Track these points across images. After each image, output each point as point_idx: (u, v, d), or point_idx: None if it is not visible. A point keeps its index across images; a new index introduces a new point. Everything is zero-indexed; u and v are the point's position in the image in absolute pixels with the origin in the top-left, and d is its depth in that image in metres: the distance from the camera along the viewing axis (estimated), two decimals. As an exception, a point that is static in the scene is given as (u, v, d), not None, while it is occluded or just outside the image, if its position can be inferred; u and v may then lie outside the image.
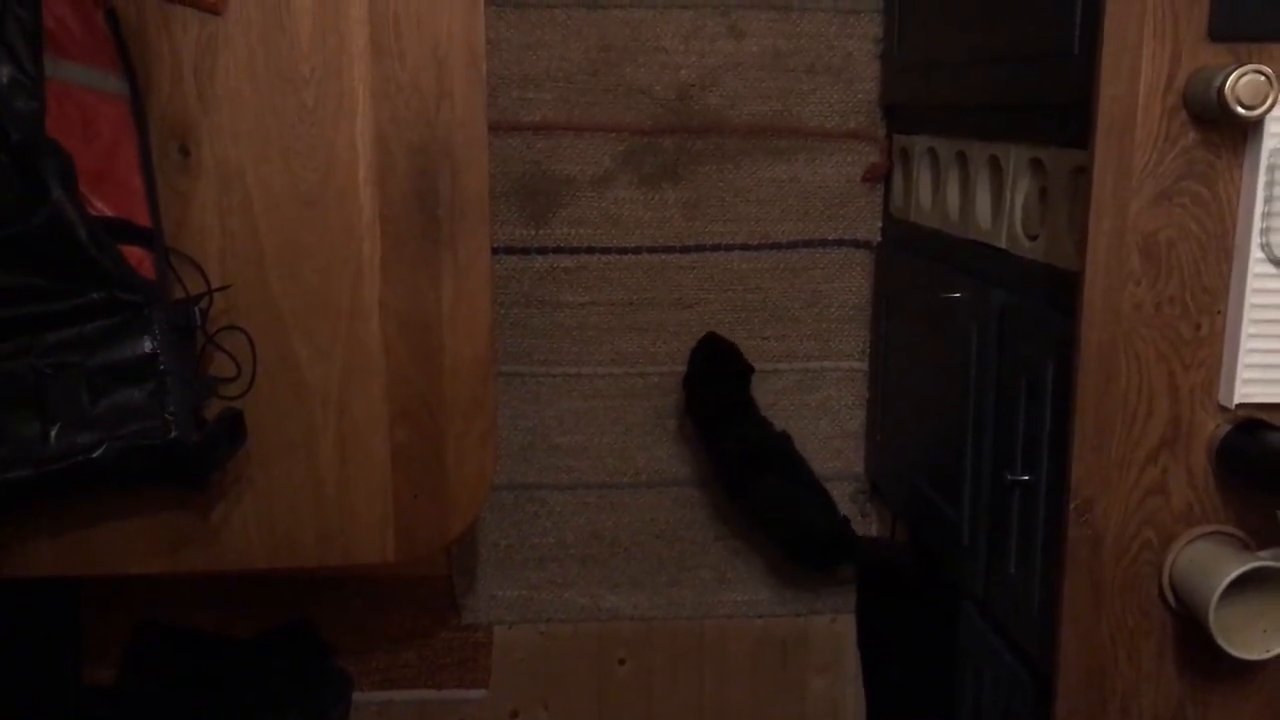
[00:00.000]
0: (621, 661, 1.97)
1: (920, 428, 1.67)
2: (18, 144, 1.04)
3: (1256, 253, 1.06)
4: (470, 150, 1.29)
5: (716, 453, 1.81)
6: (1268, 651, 1.08)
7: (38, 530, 1.29)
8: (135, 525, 1.32)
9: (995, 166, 1.42)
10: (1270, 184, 1.05)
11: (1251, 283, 1.06)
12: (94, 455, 1.13)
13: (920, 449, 1.67)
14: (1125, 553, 1.13)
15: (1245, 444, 1.09)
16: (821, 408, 1.91)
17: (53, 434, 1.12)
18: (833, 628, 1.98)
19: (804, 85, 1.82)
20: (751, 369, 1.82)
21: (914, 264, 1.70)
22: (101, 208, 1.13)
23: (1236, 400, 1.08)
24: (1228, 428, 1.10)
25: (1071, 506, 1.12)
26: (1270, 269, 1.06)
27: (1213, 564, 1.08)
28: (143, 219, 1.20)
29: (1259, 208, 1.05)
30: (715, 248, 1.85)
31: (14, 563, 1.30)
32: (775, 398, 1.88)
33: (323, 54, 1.25)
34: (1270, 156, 1.04)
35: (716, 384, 1.82)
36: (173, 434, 1.15)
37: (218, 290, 1.26)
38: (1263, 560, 1.06)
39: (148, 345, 1.14)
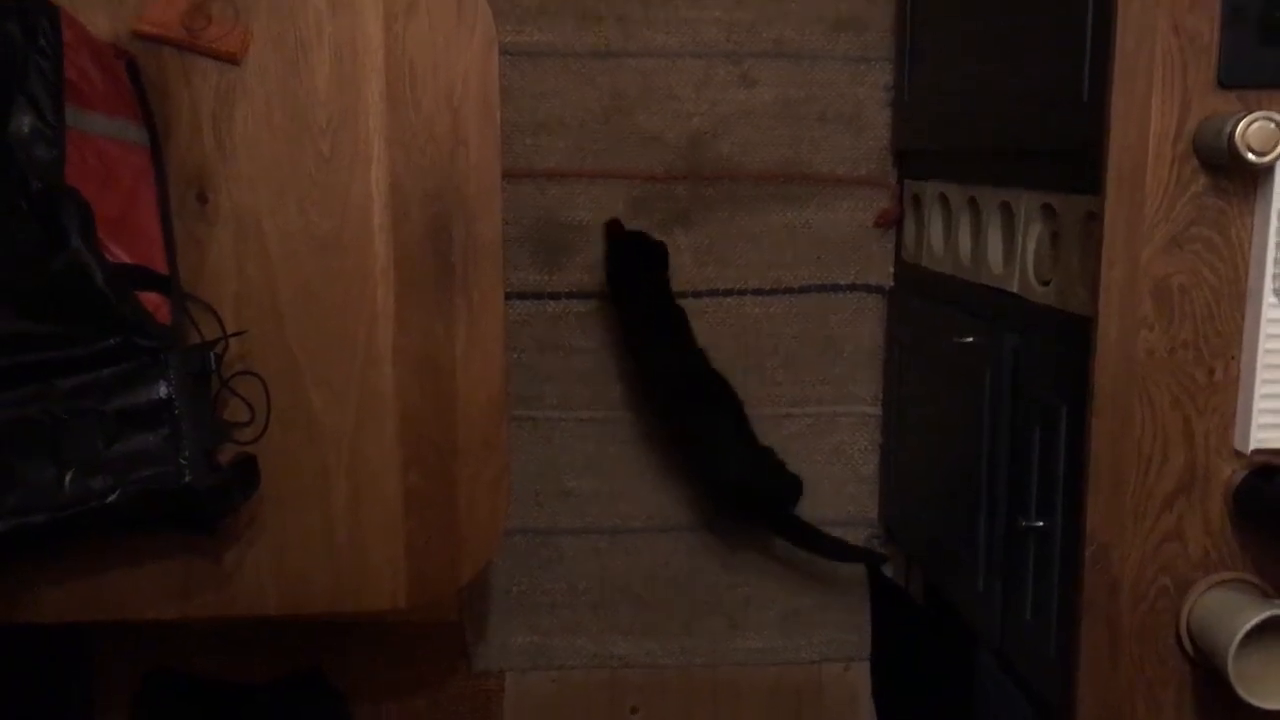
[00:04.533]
0: (634, 710, 1.95)
1: (934, 472, 1.66)
2: (38, 192, 1.05)
3: (1269, 298, 1.06)
4: (484, 197, 1.30)
5: (652, 376, 1.80)
6: (1288, 700, 1.07)
7: (49, 575, 1.29)
8: (147, 570, 1.32)
9: (1007, 211, 1.43)
10: (1282, 229, 1.05)
11: (1265, 328, 1.06)
12: (108, 500, 1.13)
13: (934, 494, 1.66)
14: (1142, 600, 1.12)
15: (1262, 490, 1.08)
16: (835, 452, 1.90)
17: (67, 479, 1.13)
18: (846, 676, 1.96)
19: (815, 132, 1.83)
20: (663, 246, 1.80)
21: (927, 308, 1.70)
22: (120, 254, 1.14)
23: (1252, 446, 1.08)
24: (1244, 473, 1.10)
25: (1087, 553, 1.11)
26: (1284, 314, 1.06)
27: (1231, 612, 1.07)
28: (160, 265, 1.21)
29: (1271, 253, 1.05)
30: (728, 292, 1.86)
31: (25, 608, 1.30)
32: (788, 442, 1.88)
33: (339, 103, 1.27)
34: (1282, 202, 1.04)
35: (640, 275, 1.79)
36: (186, 479, 1.15)
37: (233, 336, 1.27)
38: (1281, 608, 1.05)
39: (163, 390, 1.15)
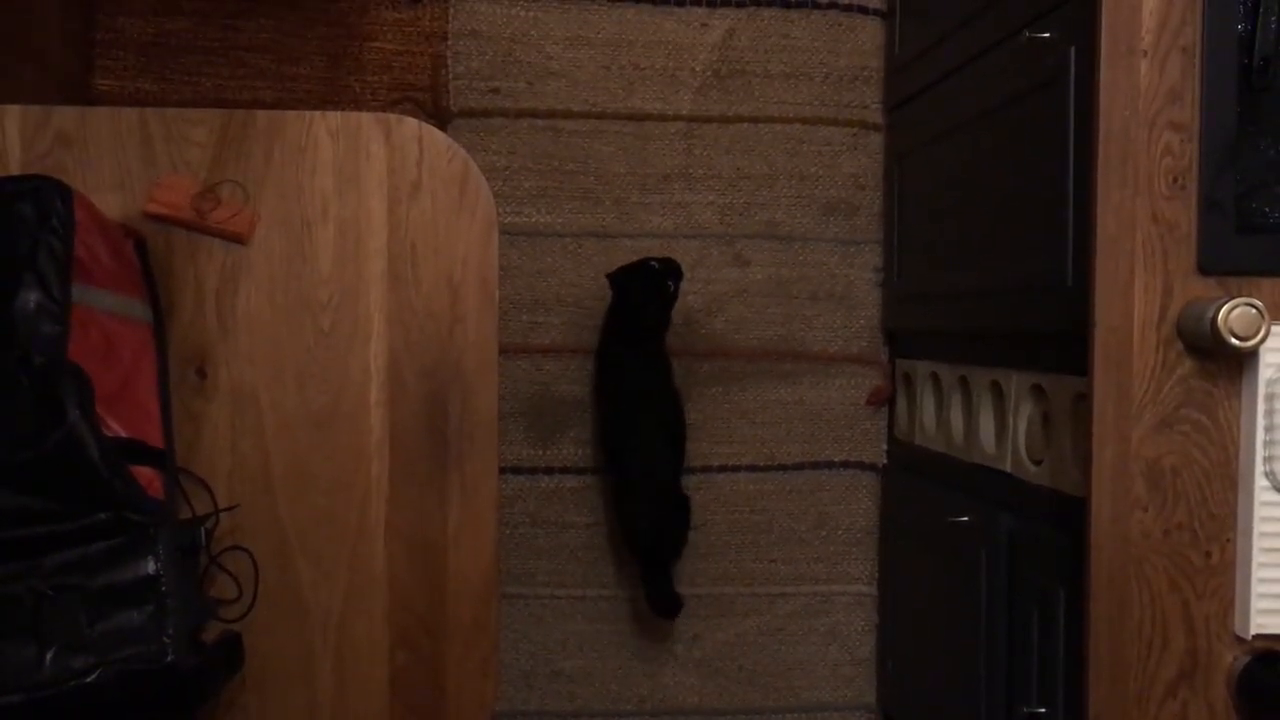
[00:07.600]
0: None
1: (932, 656, 1.63)
2: (39, 367, 1.06)
3: (1261, 480, 1.06)
4: (481, 373, 1.32)
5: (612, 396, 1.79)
6: None
7: (21, 758, 1.25)
8: (122, 754, 1.27)
9: (997, 392, 1.44)
10: (1270, 412, 1.06)
11: (1258, 511, 1.06)
12: (87, 680, 1.10)
13: (933, 678, 1.63)
14: (1150, 792, 1.09)
15: (1265, 677, 1.06)
16: (830, 633, 1.87)
17: (48, 658, 1.10)
18: None
19: (807, 311, 1.86)
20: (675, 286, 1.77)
21: (920, 487, 1.69)
22: (116, 428, 1.15)
23: (1253, 631, 1.06)
24: (1246, 659, 1.08)
25: (1092, 742, 1.08)
26: (1276, 496, 1.06)
27: (1242, 806, 1.04)
28: (156, 440, 1.21)
29: (1260, 436, 1.06)
30: (721, 469, 1.86)
31: (-6, 794, 1.25)
32: (783, 622, 1.85)
33: (341, 281, 1.30)
34: (1267, 385, 1.06)
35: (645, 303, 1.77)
36: (170, 658, 1.13)
37: (224, 510, 1.26)
38: (1294, 802, 1.01)
39: (151, 566, 1.13)
